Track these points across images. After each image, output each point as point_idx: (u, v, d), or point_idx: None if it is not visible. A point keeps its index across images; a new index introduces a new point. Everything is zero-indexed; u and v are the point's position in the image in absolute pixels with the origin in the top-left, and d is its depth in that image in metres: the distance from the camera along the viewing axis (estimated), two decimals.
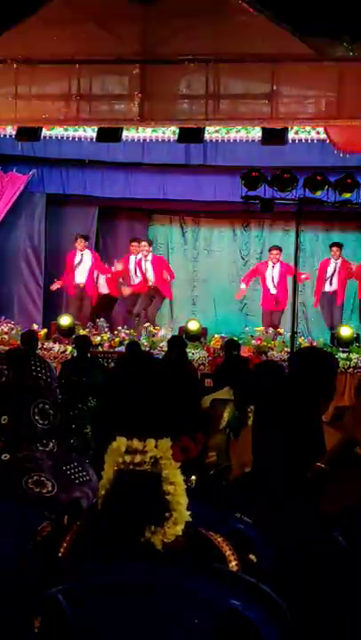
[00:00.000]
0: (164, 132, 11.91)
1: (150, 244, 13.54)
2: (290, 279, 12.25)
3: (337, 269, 12.75)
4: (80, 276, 13.21)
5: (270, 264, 12.98)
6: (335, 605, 2.40)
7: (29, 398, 2.43)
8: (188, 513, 1.71)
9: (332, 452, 3.03)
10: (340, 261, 12.78)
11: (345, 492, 2.64)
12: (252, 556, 1.88)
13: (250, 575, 1.72)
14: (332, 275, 12.76)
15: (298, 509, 2.59)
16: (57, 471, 2.37)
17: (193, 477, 1.96)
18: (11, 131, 11.76)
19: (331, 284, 12.78)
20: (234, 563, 1.76)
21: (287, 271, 12.66)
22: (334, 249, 12.87)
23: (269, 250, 13.20)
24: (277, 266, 12.90)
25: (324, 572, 2.42)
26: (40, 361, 2.52)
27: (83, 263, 13.19)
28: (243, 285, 13.19)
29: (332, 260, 12.83)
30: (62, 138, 12.20)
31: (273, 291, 12.89)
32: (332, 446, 3.12)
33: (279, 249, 13.02)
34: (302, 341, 11.64)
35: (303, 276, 12.46)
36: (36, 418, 2.42)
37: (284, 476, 2.77)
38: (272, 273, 12.93)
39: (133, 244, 13.40)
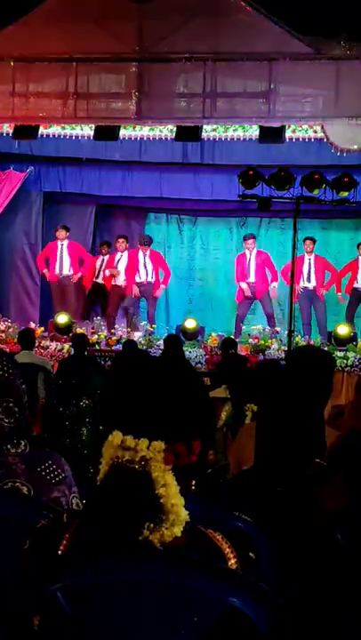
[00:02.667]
0: (161, 131, 11.89)
1: (127, 240, 13.42)
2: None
3: (312, 265, 12.63)
4: (65, 267, 13.19)
5: (247, 253, 12.85)
6: (334, 603, 2.40)
7: None
8: (187, 513, 1.71)
9: (332, 448, 3.03)
10: (313, 256, 12.62)
11: (344, 489, 2.64)
12: (251, 554, 1.88)
13: (249, 573, 1.72)
14: (309, 271, 12.59)
15: (297, 507, 2.60)
16: (32, 474, 2.33)
17: (193, 482, 1.96)
18: (8, 129, 11.75)
19: (309, 280, 12.58)
20: (233, 560, 1.76)
21: (264, 261, 12.67)
22: (308, 242, 12.56)
23: (244, 239, 13.07)
24: (254, 253, 12.79)
25: (323, 569, 2.42)
26: (1, 357, 2.44)
27: (63, 253, 13.17)
28: (243, 285, 12.77)
29: (306, 256, 12.56)
30: (59, 136, 12.17)
31: (251, 279, 12.72)
32: (332, 443, 3.12)
33: (253, 237, 13.00)
34: (299, 340, 11.63)
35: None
36: (1, 417, 2.35)
37: (283, 474, 2.77)
38: (249, 261, 12.78)
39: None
